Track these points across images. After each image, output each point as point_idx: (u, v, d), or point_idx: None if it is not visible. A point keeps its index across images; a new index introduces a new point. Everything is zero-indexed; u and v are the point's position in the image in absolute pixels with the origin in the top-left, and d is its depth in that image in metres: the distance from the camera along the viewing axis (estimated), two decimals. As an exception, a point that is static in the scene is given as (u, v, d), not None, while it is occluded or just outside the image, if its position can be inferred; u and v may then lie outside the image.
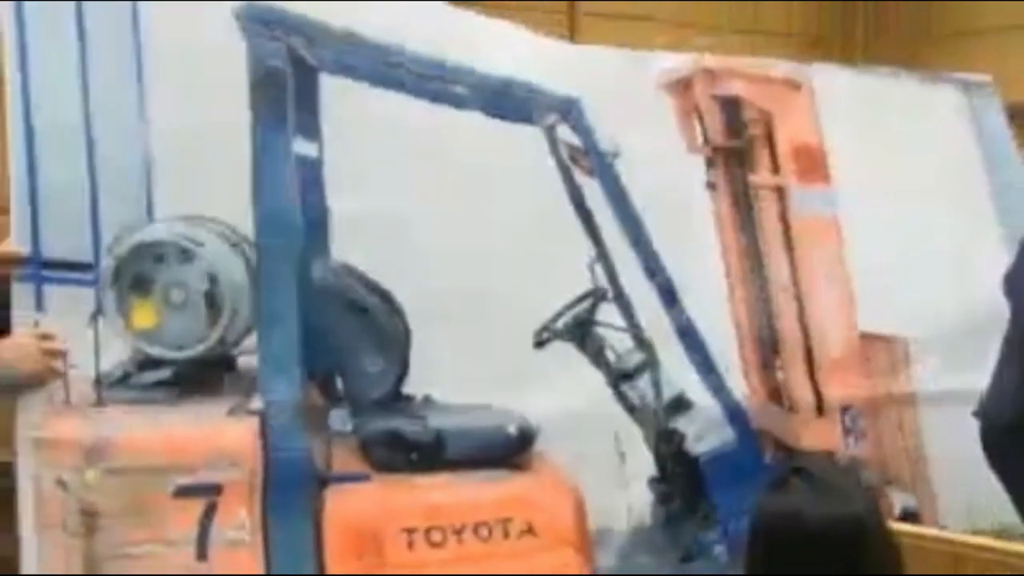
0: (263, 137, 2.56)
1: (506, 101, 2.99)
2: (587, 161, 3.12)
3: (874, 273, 3.51)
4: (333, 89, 2.73)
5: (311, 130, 2.68)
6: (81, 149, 2.50)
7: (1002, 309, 3.35)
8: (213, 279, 2.47)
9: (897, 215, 3.60)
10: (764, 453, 3.28)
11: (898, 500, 3.41)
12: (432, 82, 2.87)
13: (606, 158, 3.12)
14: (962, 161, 3.88)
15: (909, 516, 3.37)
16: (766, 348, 3.47)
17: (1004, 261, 3.57)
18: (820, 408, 3.33)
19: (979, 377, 3.30)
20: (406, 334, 2.75)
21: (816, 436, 3.29)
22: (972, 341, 3.94)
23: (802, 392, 3.33)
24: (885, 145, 3.73)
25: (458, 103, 2.91)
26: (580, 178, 3.09)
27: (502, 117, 2.97)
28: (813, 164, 3.44)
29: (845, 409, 3.34)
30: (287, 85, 2.63)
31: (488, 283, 2.89)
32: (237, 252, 2.53)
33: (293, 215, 2.59)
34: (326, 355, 2.64)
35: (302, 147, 2.66)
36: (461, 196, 2.88)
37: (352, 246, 2.70)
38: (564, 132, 3.09)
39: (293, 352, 2.52)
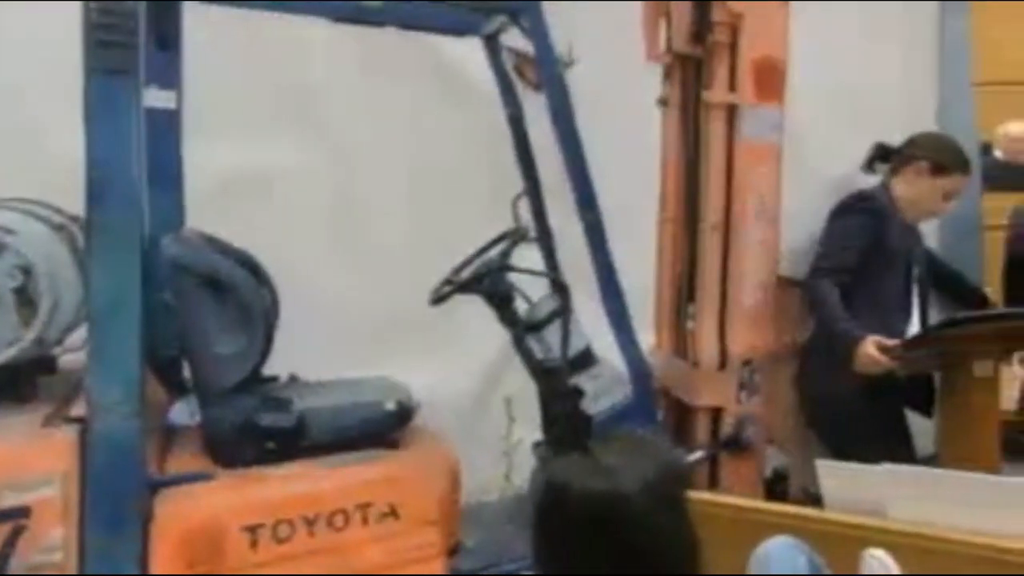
0: (98, 89, 1.99)
1: (436, 9, 2.58)
2: (533, 72, 2.58)
3: (804, 211, 3.26)
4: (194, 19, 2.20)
5: (168, 76, 2.21)
6: None
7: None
8: (26, 272, 2.12)
9: (839, 147, 3.27)
10: (658, 411, 3.09)
11: (773, 460, 3.32)
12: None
13: (559, 67, 2.64)
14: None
15: (779, 477, 3.33)
16: (683, 296, 3.23)
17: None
18: (723, 362, 3.11)
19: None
20: (274, 308, 2.43)
21: (713, 392, 3.11)
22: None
23: (708, 345, 3.11)
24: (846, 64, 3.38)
25: (370, 19, 2.44)
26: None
27: (426, 30, 2.47)
28: (771, 79, 3.10)
29: (746, 362, 3.12)
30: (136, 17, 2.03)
31: (372, 240, 2.41)
32: (61, 236, 2.19)
33: (134, 183, 2.07)
34: (172, 341, 2.29)
35: (155, 98, 2.21)
36: (343, 141, 2.34)
37: (212, 211, 2.22)
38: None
39: (132, 343, 2.09)
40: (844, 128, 3.84)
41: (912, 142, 3.30)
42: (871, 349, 2.94)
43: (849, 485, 2.39)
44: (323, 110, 2.87)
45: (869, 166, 3.35)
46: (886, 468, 2.34)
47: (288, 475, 2.42)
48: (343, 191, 2.86)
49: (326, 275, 2.82)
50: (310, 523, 2.37)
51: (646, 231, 3.16)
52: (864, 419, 3.10)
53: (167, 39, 2.36)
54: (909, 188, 3.24)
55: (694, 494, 1.81)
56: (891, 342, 2.96)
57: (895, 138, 3.79)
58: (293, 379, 2.63)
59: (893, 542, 2.07)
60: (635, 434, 1.77)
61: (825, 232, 3.23)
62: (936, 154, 3.23)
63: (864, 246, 3.13)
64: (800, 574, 1.92)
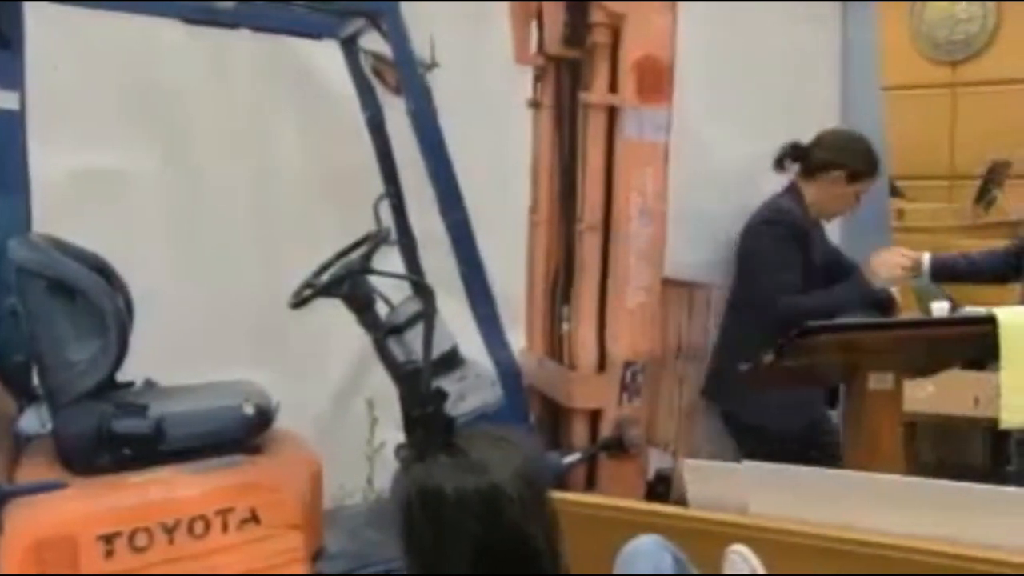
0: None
1: (292, 12, 2.74)
2: (393, 75, 2.82)
3: (693, 212, 3.51)
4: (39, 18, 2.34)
5: (10, 76, 2.33)
6: None
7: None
8: None
9: (732, 148, 3.55)
10: (530, 414, 3.30)
11: (656, 462, 3.55)
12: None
13: (419, 69, 2.85)
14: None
15: (661, 479, 3.55)
16: (558, 297, 3.46)
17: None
18: (602, 364, 3.34)
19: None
20: (128, 313, 2.57)
21: (590, 394, 3.34)
22: None
23: (585, 347, 3.33)
24: (738, 63, 3.65)
25: (224, 20, 2.59)
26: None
27: (282, 32, 2.64)
28: (656, 80, 3.30)
29: (628, 364, 3.35)
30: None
31: (234, 244, 2.64)
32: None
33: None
34: (20, 347, 2.44)
35: (-5, 98, 2.28)
36: (193, 143, 2.55)
37: (62, 214, 2.37)
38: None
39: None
40: (744, 127, 4.17)
41: (824, 145, 3.52)
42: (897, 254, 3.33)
43: (713, 483, 2.60)
44: (172, 112, 3.09)
45: (780, 165, 3.56)
46: (748, 466, 2.54)
47: (145, 482, 2.55)
48: (193, 193, 3.07)
49: (176, 278, 3.01)
50: (169, 530, 2.52)
51: (518, 233, 3.42)
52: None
53: (8, 38, 2.44)
54: (822, 193, 3.48)
55: (559, 493, 2.06)
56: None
57: (797, 136, 4.12)
58: (149, 384, 2.76)
59: (756, 538, 2.26)
60: (496, 429, 1.91)
61: (751, 254, 3.47)
62: (852, 162, 3.46)
63: (799, 264, 3.37)
64: (665, 573, 2.06)
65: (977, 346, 3.17)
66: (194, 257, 3.05)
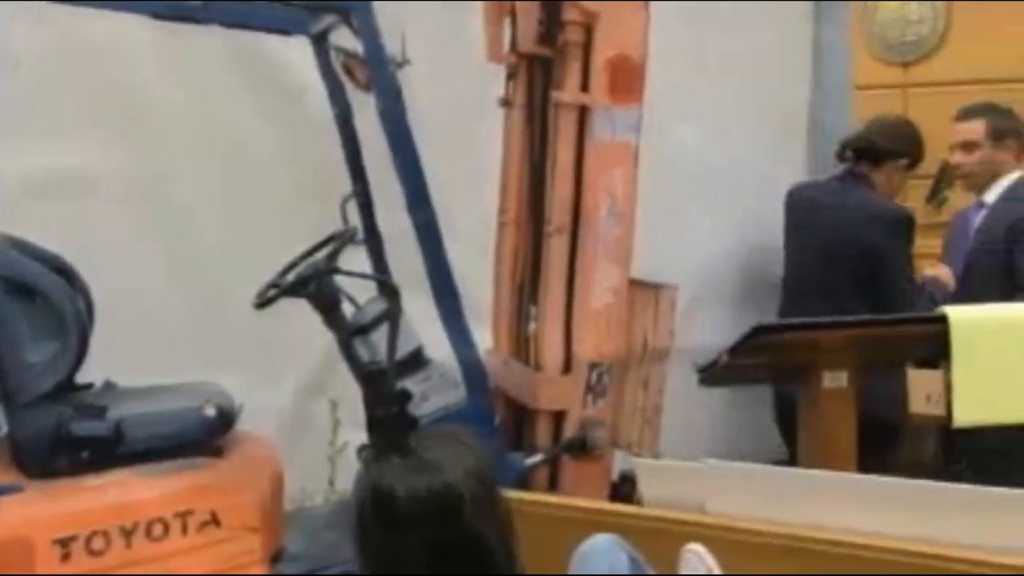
0: None
1: (262, 8, 2.79)
2: (363, 73, 2.86)
3: (661, 213, 3.55)
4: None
5: None
6: None
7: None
8: None
9: (702, 149, 3.62)
10: (495, 414, 3.36)
11: (620, 464, 3.58)
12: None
13: (390, 67, 2.90)
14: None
15: (626, 480, 3.53)
16: (525, 298, 3.51)
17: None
18: (568, 365, 3.40)
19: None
20: (89, 314, 2.58)
21: (555, 395, 3.39)
22: (750, 299, 4.30)
23: (551, 348, 3.38)
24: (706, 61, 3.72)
25: (193, 16, 2.63)
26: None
27: (252, 29, 2.70)
28: (628, 79, 3.35)
29: (594, 366, 3.41)
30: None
31: (196, 243, 2.67)
32: None
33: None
34: None
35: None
36: (169, 141, 2.57)
37: (22, 214, 2.38)
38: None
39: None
40: (715, 127, 4.25)
41: (887, 134, 3.77)
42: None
43: (669, 482, 2.71)
44: (139, 110, 3.11)
45: (842, 156, 3.81)
46: (704, 464, 2.64)
47: (103, 484, 2.58)
48: (159, 193, 3.10)
49: (139, 279, 3.05)
50: (127, 534, 2.55)
51: (487, 233, 3.47)
52: None
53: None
54: (889, 182, 3.73)
55: (515, 492, 2.10)
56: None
57: (768, 135, 4.21)
58: (109, 385, 2.77)
59: (712, 537, 2.29)
60: (449, 428, 1.99)
61: (887, 246, 3.66)
62: (914, 150, 3.75)
63: None
64: (621, 573, 2.09)
65: (929, 344, 3.26)
66: (158, 258, 3.08)
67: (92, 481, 2.58)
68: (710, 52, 4.20)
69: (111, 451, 2.60)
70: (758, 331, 3.17)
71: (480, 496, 1.73)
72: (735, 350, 3.22)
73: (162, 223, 3.00)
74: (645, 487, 2.74)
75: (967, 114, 3.91)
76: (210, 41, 2.82)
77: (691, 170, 4.07)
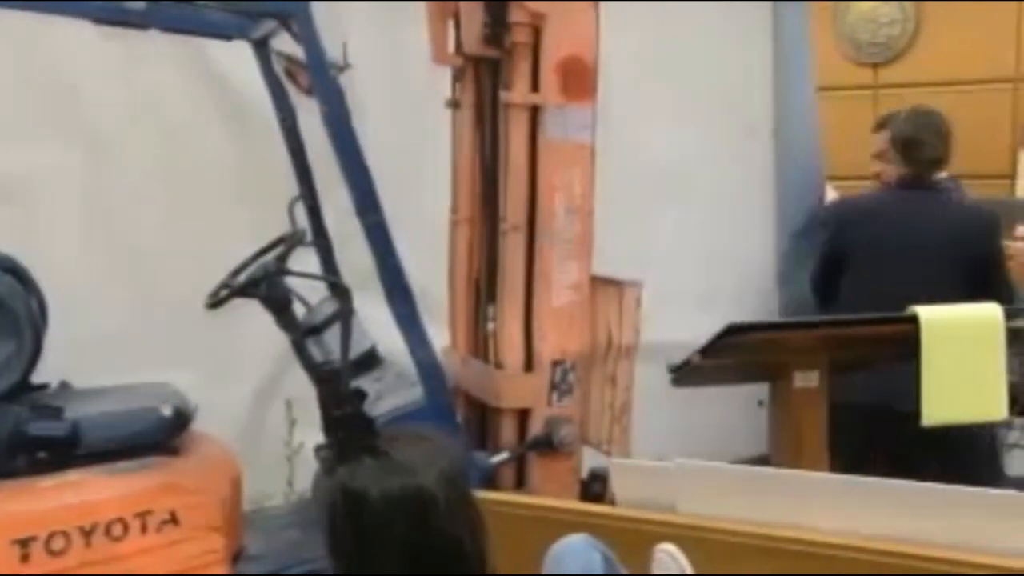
0: None
1: (202, 13, 2.89)
2: (305, 77, 3.01)
3: (622, 210, 3.68)
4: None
5: None
6: None
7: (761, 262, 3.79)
8: None
9: (664, 146, 3.73)
10: (457, 413, 3.50)
11: (589, 461, 3.68)
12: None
13: (331, 71, 3.03)
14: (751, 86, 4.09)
15: (596, 478, 3.67)
16: (482, 296, 3.62)
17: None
18: (530, 363, 3.49)
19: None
20: (42, 314, 2.69)
21: (518, 394, 3.49)
22: (714, 294, 4.41)
23: (512, 346, 3.48)
24: (667, 61, 3.83)
25: (134, 21, 2.74)
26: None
27: (194, 33, 2.83)
28: (580, 80, 3.43)
29: (557, 363, 3.51)
30: None
31: (146, 244, 2.81)
32: None
33: None
34: None
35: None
36: (116, 142, 2.72)
37: None
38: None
39: None
40: (677, 125, 4.38)
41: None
42: None
43: (639, 482, 2.77)
44: (85, 112, 3.27)
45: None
46: (676, 464, 2.69)
47: (61, 485, 2.70)
48: (109, 194, 3.26)
49: (92, 280, 3.22)
50: (87, 534, 2.67)
51: (440, 231, 3.60)
52: None
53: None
54: None
55: (487, 493, 2.19)
56: None
57: (729, 135, 4.33)
58: (64, 386, 2.91)
59: (685, 537, 2.39)
60: (418, 429, 2.04)
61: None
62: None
63: None
64: (594, 572, 2.16)
65: (900, 344, 3.35)
66: (110, 258, 3.23)
67: (50, 481, 2.70)
68: (672, 52, 4.33)
69: (69, 451, 2.71)
70: (730, 331, 3.27)
71: (453, 497, 1.81)
72: (707, 350, 3.32)
73: (112, 224, 3.14)
74: (618, 488, 2.82)
75: None
76: (154, 44, 2.94)
77: (656, 169, 4.18)
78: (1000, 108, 4.67)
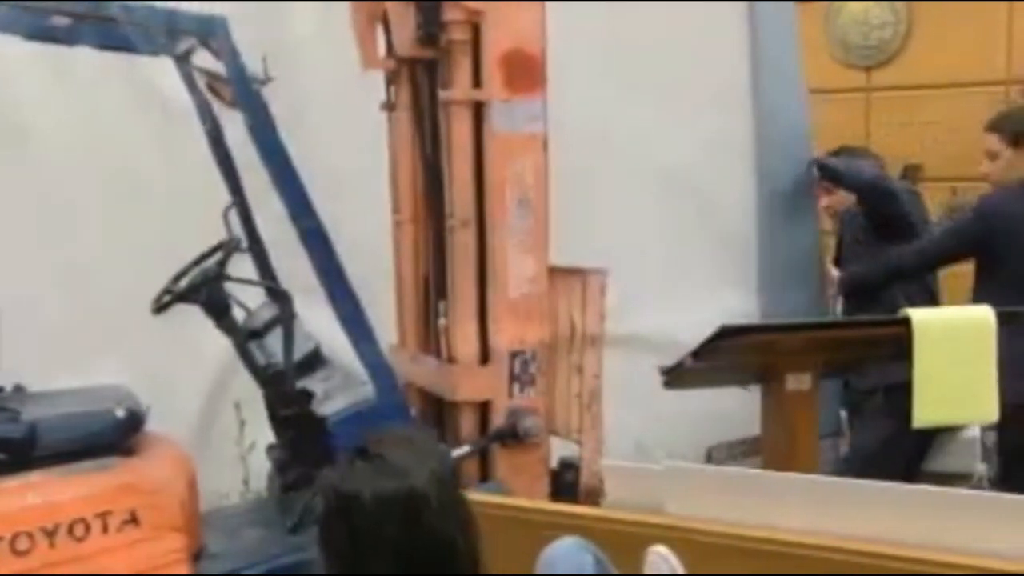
0: None
1: (126, 30, 3.10)
2: (228, 91, 3.26)
3: (579, 198, 3.89)
4: None
5: None
6: None
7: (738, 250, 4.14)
8: None
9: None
10: (410, 408, 3.70)
11: (558, 451, 3.85)
12: (24, 14, 2.93)
13: (253, 85, 3.27)
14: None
15: (567, 467, 3.84)
16: (431, 293, 3.80)
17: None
18: (486, 356, 3.66)
19: (677, 320, 3.88)
20: None
21: (474, 386, 3.66)
22: (682, 282, 4.60)
23: (465, 340, 3.65)
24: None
25: (62, 37, 2.98)
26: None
27: (121, 49, 3.09)
28: (526, 72, 3.58)
29: (516, 354, 3.65)
30: None
31: (94, 251, 3.05)
32: None
33: None
34: None
35: None
36: (47, 154, 2.98)
37: None
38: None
39: None
40: (648, 114, 4.57)
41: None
42: None
43: (630, 483, 2.88)
44: (21, 124, 3.58)
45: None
46: (666, 465, 2.81)
47: (22, 486, 2.87)
48: (49, 202, 3.57)
49: (40, 285, 3.50)
50: (50, 534, 2.85)
51: (383, 231, 3.83)
52: None
53: None
54: None
55: (477, 496, 2.32)
56: None
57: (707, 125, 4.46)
58: (19, 389, 3.09)
59: (677, 538, 2.47)
60: (400, 431, 2.16)
61: None
62: None
63: None
64: (587, 574, 2.25)
65: (892, 347, 3.54)
66: (57, 264, 3.52)
67: (10, 483, 2.88)
68: (650, 44, 4.52)
69: (26, 453, 2.89)
70: (722, 333, 3.41)
71: (445, 497, 1.90)
72: (699, 352, 3.47)
73: (55, 231, 3.41)
74: (607, 488, 2.96)
75: None
76: (88, 56, 3.19)
77: (632, 163, 4.35)
78: (991, 111, 4.80)
